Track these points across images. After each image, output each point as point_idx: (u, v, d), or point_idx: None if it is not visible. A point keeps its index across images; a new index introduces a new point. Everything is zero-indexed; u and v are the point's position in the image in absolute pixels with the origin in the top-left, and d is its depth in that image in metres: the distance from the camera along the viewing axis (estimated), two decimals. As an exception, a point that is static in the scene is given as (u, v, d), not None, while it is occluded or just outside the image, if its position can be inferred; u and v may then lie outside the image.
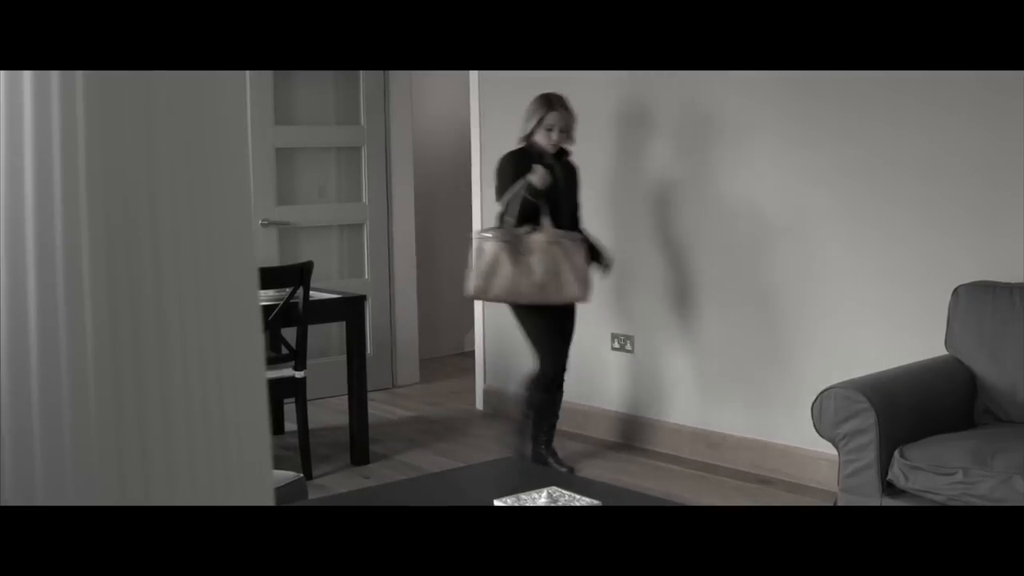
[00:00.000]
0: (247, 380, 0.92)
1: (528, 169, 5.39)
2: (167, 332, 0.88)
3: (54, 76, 0.89)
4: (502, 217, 5.43)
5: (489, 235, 5.43)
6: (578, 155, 5.70)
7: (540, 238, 5.37)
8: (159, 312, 0.88)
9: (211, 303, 0.92)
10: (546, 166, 5.40)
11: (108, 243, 0.88)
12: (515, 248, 5.37)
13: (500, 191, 5.53)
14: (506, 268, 5.37)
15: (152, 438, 0.84)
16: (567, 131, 5.52)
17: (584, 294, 5.49)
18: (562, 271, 5.39)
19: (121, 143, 0.90)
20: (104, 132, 0.89)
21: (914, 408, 4.16)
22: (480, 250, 5.43)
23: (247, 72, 5.61)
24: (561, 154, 5.57)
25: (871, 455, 4.01)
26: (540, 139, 5.50)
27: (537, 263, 5.36)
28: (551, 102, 5.49)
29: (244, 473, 0.92)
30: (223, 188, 0.97)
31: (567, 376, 5.78)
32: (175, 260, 0.91)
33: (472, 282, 5.45)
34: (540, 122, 5.48)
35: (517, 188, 5.36)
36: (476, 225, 7.18)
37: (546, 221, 5.40)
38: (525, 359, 6.92)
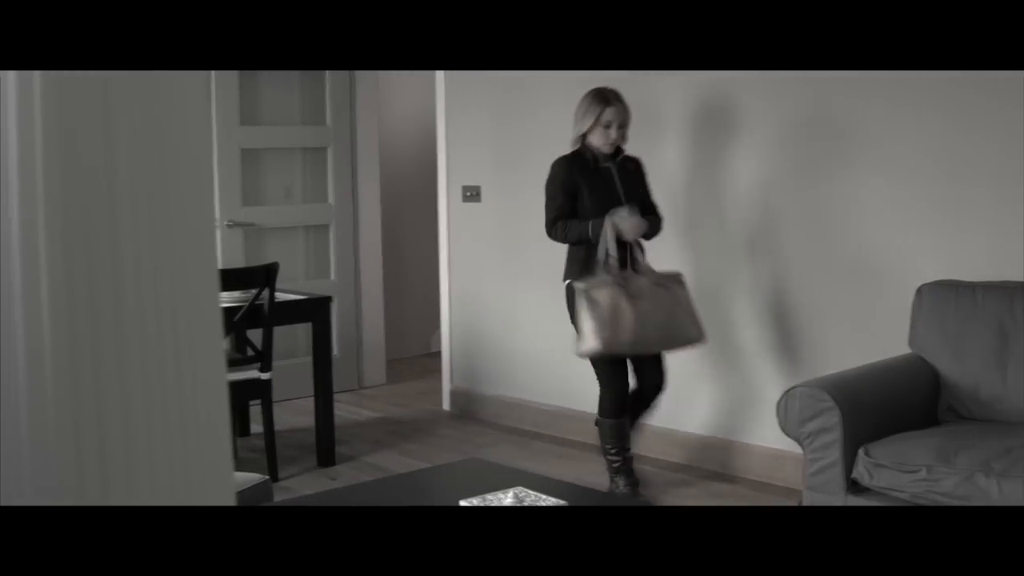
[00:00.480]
0: (207, 380, 0.92)
1: (581, 176, 5.07)
2: (125, 333, 0.88)
3: (10, 76, 0.89)
4: (591, 257, 5.00)
5: (599, 281, 4.90)
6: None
7: (646, 282, 4.96)
8: (117, 313, 0.87)
9: (171, 303, 0.92)
10: (602, 169, 5.08)
11: (65, 245, 0.87)
12: (628, 292, 4.89)
13: (550, 202, 5.16)
14: (628, 314, 4.85)
15: (110, 438, 0.84)
16: (624, 128, 5.12)
17: (701, 334, 5.10)
18: (676, 314, 4.99)
19: (79, 144, 0.90)
20: (61, 133, 0.89)
21: (878, 406, 4.18)
22: (592, 300, 4.86)
23: (212, 72, 5.58)
24: (617, 153, 5.16)
25: (836, 453, 4.03)
26: (596, 139, 5.07)
27: (651, 308, 4.91)
28: (607, 97, 5.07)
29: (204, 473, 0.92)
30: (183, 189, 0.97)
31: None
32: (135, 262, 0.90)
33: (594, 335, 4.86)
34: (597, 119, 5.05)
35: (598, 225, 4.95)
36: (442, 226, 7.17)
37: (641, 257, 5.05)
38: (491, 360, 6.93)
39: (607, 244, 4.92)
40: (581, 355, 5.03)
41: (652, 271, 5.05)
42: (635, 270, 5.02)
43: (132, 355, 0.88)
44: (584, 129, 5.10)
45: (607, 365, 5.10)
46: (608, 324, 4.84)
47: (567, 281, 5.14)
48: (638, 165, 5.27)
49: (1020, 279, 4.46)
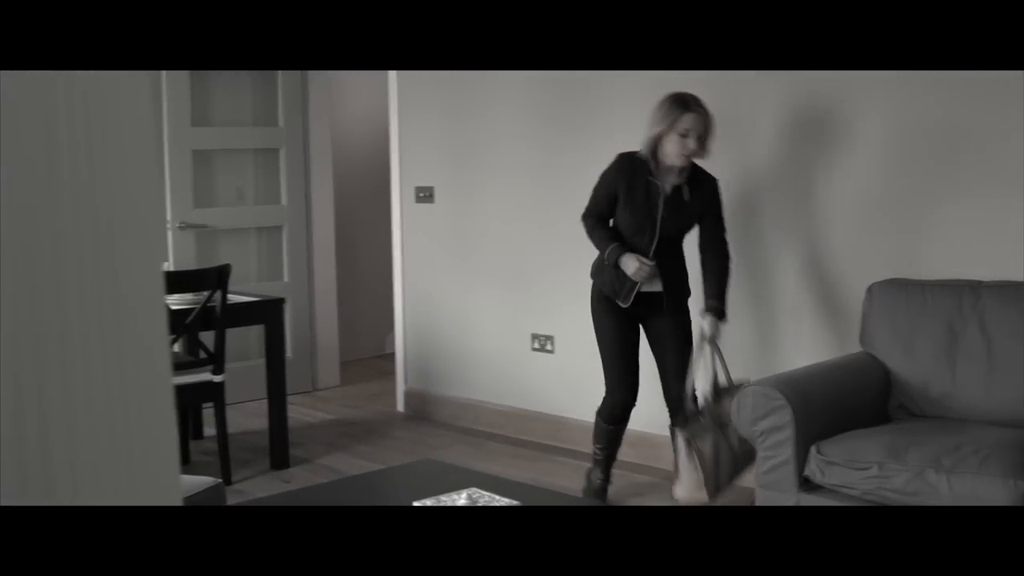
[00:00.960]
0: (152, 380, 0.91)
1: (626, 184, 4.76)
2: (69, 334, 0.87)
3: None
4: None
5: (701, 430, 4.58)
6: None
7: (729, 403, 4.52)
8: (60, 316, 0.87)
9: (114, 305, 0.91)
10: (651, 184, 4.72)
11: (6, 249, 0.86)
12: (721, 422, 4.59)
13: (593, 192, 4.92)
14: (726, 451, 4.57)
15: (54, 441, 0.83)
16: (704, 139, 4.66)
17: None
18: None
19: (20, 145, 0.89)
20: (1, 134, 0.88)
21: (830, 404, 4.21)
22: (698, 452, 4.55)
23: (163, 73, 5.50)
24: (684, 170, 4.73)
25: (788, 451, 4.05)
26: (671, 147, 4.63)
27: (736, 432, 4.51)
28: (687, 102, 4.63)
29: (150, 478, 0.91)
30: (128, 189, 0.96)
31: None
32: (78, 264, 0.89)
33: (701, 489, 4.55)
34: (672, 126, 4.62)
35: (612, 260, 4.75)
36: (396, 227, 7.15)
37: (718, 366, 4.70)
38: (445, 361, 6.92)
39: (701, 385, 4.71)
40: (683, 500, 4.70)
41: (730, 380, 4.72)
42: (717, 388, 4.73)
43: (75, 357, 0.87)
44: (655, 133, 4.69)
45: (614, 373, 4.96)
46: (712, 474, 4.56)
47: (592, 282, 5.00)
48: (711, 188, 4.83)
49: (968, 278, 4.50)
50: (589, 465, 5.28)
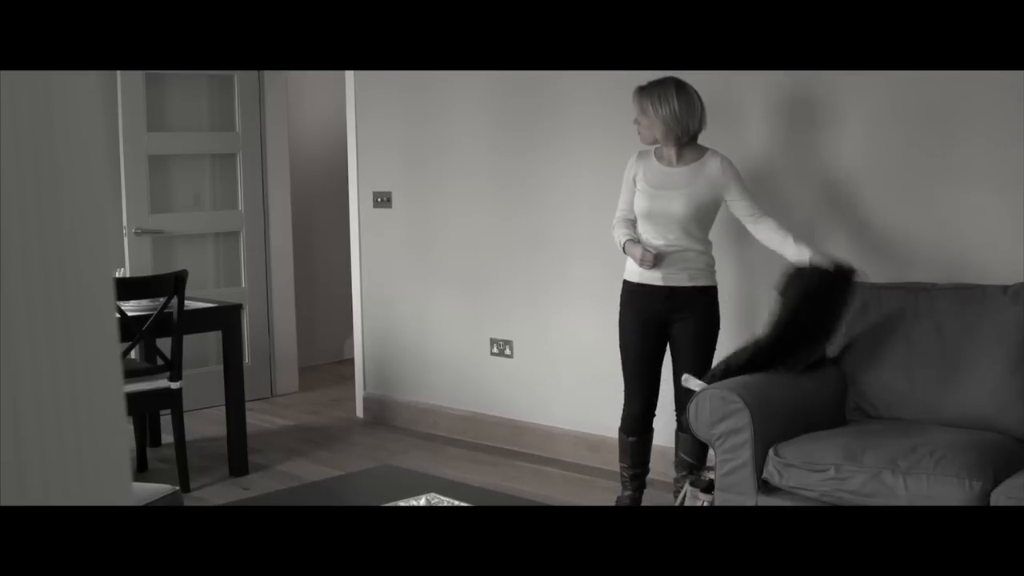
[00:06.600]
0: (102, 386, 0.91)
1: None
2: (16, 339, 0.86)
3: None
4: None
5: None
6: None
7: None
8: (8, 319, 0.86)
9: (63, 313, 0.90)
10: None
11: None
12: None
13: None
14: None
15: (2, 444, 0.82)
16: (639, 124, 4.67)
17: None
18: None
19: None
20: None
21: (788, 407, 4.23)
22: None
23: (118, 75, 5.43)
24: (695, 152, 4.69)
25: (746, 454, 4.07)
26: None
27: None
28: (637, 89, 4.64)
29: (100, 480, 0.91)
30: (75, 195, 0.95)
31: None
32: (24, 270, 0.88)
33: None
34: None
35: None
36: (354, 232, 7.13)
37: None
38: (404, 366, 6.91)
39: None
40: None
41: None
42: None
43: (23, 363, 0.86)
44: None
45: (631, 381, 4.91)
46: None
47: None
48: (713, 171, 4.69)
49: (922, 280, 4.53)
50: (618, 493, 5.09)
